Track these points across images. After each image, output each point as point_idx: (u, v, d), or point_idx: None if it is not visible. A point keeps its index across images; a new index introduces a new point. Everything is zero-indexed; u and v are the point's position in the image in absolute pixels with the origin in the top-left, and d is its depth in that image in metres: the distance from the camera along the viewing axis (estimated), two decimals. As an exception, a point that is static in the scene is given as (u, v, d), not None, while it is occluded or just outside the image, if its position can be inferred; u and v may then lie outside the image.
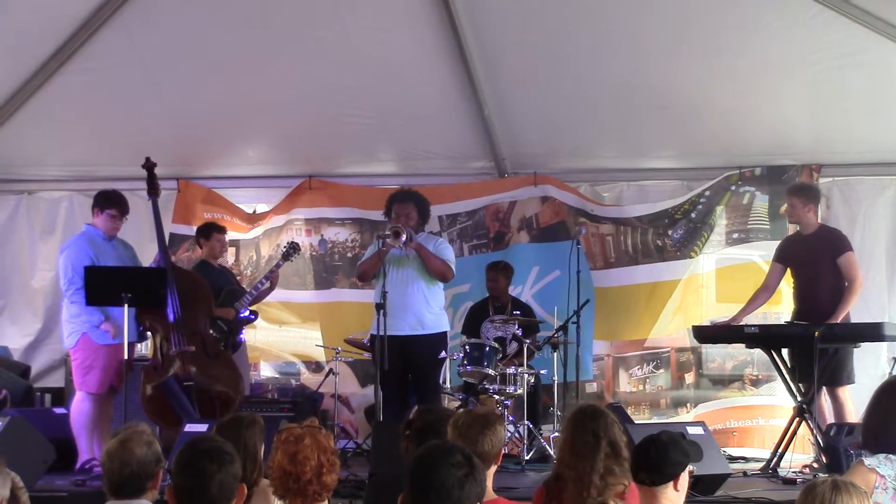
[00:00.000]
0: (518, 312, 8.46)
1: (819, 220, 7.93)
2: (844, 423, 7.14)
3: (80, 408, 7.30)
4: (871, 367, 8.12)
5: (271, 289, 8.47)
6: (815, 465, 7.22)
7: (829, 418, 7.53)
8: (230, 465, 3.34)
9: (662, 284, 9.03)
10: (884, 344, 8.01)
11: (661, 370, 9.02)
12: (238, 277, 9.08)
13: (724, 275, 8.92)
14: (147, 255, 8.13)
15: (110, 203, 7.50)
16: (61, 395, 8.84)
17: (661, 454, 3.80)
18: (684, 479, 3.83)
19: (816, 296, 7.65)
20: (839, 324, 7.35)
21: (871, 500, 3.67)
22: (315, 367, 9.48)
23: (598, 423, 4.11)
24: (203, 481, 3.29)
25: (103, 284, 7.05)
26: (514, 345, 8.33)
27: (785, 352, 7.65)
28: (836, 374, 7.47)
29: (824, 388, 7.55)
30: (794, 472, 7.04)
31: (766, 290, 8.03)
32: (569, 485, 4.07)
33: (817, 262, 7.67)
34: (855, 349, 7.52)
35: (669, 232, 9.04)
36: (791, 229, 8.61)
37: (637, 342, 9.11)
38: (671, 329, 8.98)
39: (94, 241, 7.40)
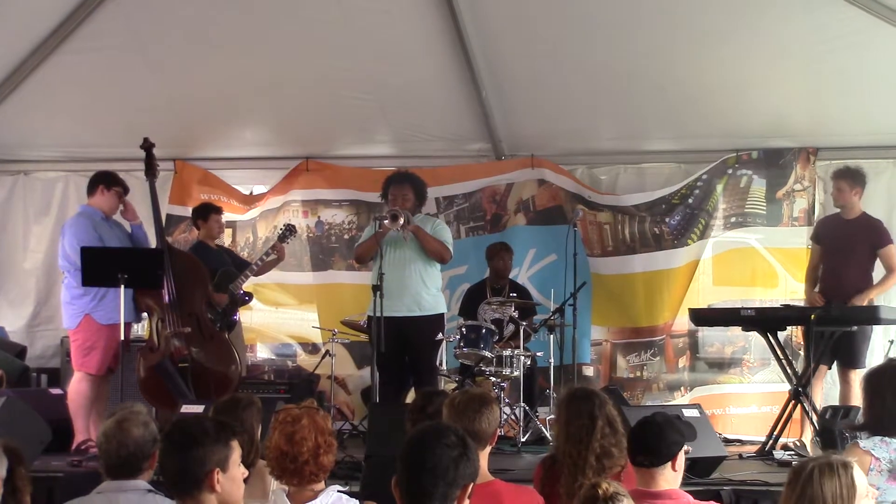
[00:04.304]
0: (515, 295, 8.43)
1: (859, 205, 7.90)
2: (840, 405, 7.16)
3: (78, 388, 7.30)
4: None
5: (279, 260, 8.47)
6: (799, 443, 7.26)
7: (834, 400, 7.56)
8: (190, 449, 3.36)
9: (660, 273, 9.01)
10: (880, 327, 8.02)
11: (659, 357, 9.02)
12: (237, 256, 9.05)
13: (721, 259, 8.91)
14: (144, 237, 8.12)
15: (117, 181, 7.55)
16: (57, 376, 8.85)
17: (657, 435, 3.81)
18: (681, 459, 3.84)
19: (846, 277, 7.72)
20: (835, 306, 7.37)
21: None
22: (311, 348, 9.49)
23: (592, 403, 4.13)
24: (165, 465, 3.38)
25: (100, 265, 7.02)
26: (511, 327, 8.33)
27: (782, 335, 7.69)
28: (854, 357, 7.54)
29: (836, 369, 7.64)
30: (789, 455, 7.06)
31: (815, 270, 8.06)
32: (564, 471, 4.08)
33: (854, 247, 7.74)
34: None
35: (667, 219, 9.00)
36: (786, 214, 8.64)
37: (635, 329, 9.10)
38: (668, 316, 8.97)
39: (96, 222, 7.39)
